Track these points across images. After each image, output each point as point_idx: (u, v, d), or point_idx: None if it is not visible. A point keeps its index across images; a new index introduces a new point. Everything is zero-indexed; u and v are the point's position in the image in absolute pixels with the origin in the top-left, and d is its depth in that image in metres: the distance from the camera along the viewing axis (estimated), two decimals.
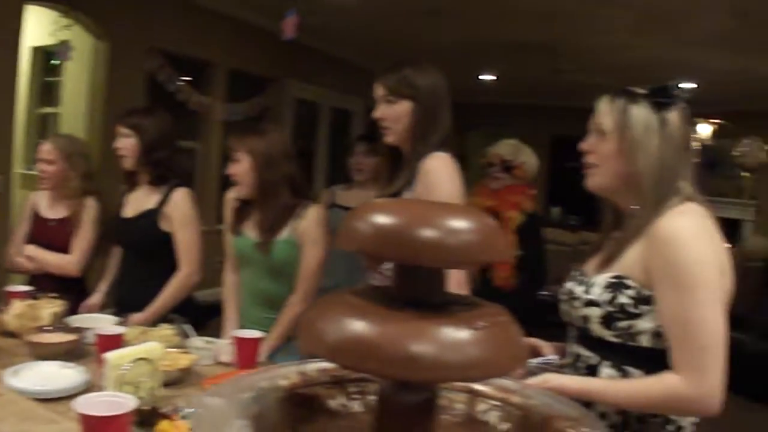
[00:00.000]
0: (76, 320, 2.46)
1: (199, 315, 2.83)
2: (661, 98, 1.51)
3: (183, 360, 2.09)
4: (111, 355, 1.71)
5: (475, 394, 1.16)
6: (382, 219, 0.87)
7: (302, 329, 0.92)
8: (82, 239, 2.92)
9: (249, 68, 7.30)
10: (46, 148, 2.96)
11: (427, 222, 0.85)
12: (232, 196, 2.69)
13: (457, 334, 0.84)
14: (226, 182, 2.71)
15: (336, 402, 1.15)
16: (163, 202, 2.73)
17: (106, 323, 2.38)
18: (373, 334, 0.83)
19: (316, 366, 1.16)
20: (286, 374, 1.13)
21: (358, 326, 0.85)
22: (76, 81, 5.94)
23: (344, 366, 0.89)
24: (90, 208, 2.96)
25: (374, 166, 3.56)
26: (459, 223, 0.87)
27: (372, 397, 1.09)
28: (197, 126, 6.93)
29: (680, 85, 1.53)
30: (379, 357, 0.82)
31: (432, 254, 0.84)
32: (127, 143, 2.74)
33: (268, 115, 7.50)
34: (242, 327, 2.49)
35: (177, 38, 6.29)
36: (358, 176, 3.80)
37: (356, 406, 1.16)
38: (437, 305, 0.90)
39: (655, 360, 1.44)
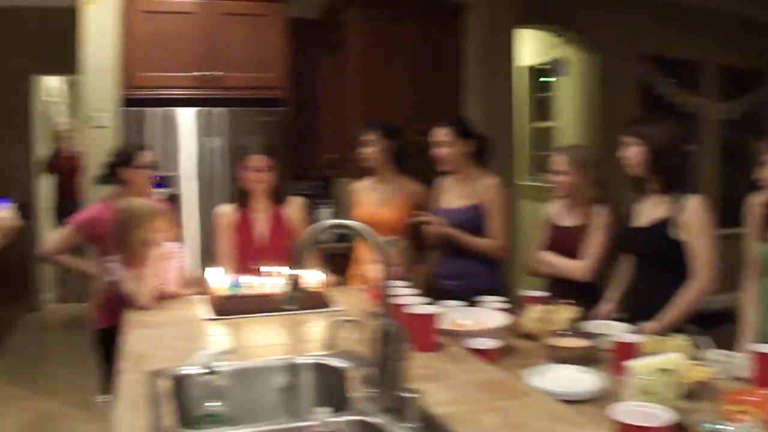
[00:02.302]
0: (589, 326, 2.52)
1: (702, 323, 2.72)
2: None
3: (698, 372, 2.01)
4: (634, 364, 1.72)
5: None
6: None
7: None
8: (593, 245, 3.00)
9: (741, 63, 6.82)
10: (560, 160, 3.11)
11: None
12: (758, 200, 2.54)
13: None
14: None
15: None
16: (674, 210, 2.67)
17: (618, 331, 2.39)
18: None
19: None
20: None
21: None
22: (569, 95, 6.24)
23: None
24: (601, 215, 3.03)
25: None
26: None
27: None
28: (690, 127, 6.69)
29: None
30: None
31: None
32: (632, 152, 2.74)
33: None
34: (760, 341, 2.30)
35: (664, 41, 6.19)
36: None
37: None
38: None
39: None
